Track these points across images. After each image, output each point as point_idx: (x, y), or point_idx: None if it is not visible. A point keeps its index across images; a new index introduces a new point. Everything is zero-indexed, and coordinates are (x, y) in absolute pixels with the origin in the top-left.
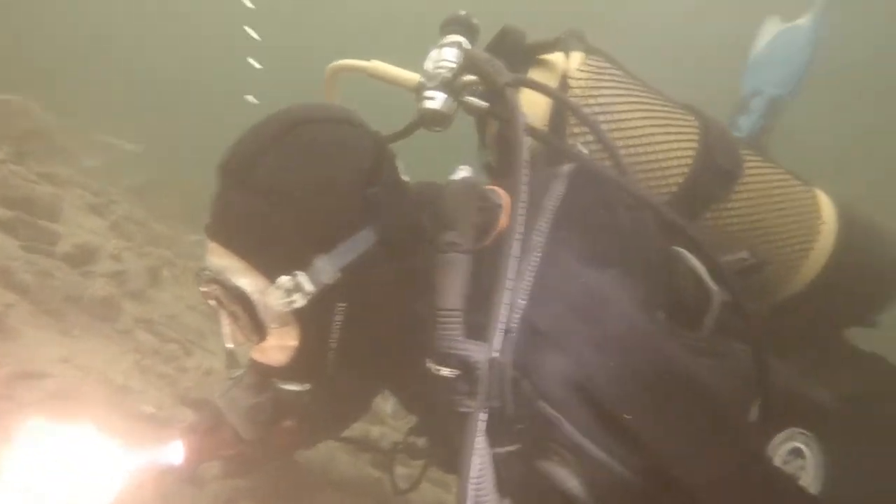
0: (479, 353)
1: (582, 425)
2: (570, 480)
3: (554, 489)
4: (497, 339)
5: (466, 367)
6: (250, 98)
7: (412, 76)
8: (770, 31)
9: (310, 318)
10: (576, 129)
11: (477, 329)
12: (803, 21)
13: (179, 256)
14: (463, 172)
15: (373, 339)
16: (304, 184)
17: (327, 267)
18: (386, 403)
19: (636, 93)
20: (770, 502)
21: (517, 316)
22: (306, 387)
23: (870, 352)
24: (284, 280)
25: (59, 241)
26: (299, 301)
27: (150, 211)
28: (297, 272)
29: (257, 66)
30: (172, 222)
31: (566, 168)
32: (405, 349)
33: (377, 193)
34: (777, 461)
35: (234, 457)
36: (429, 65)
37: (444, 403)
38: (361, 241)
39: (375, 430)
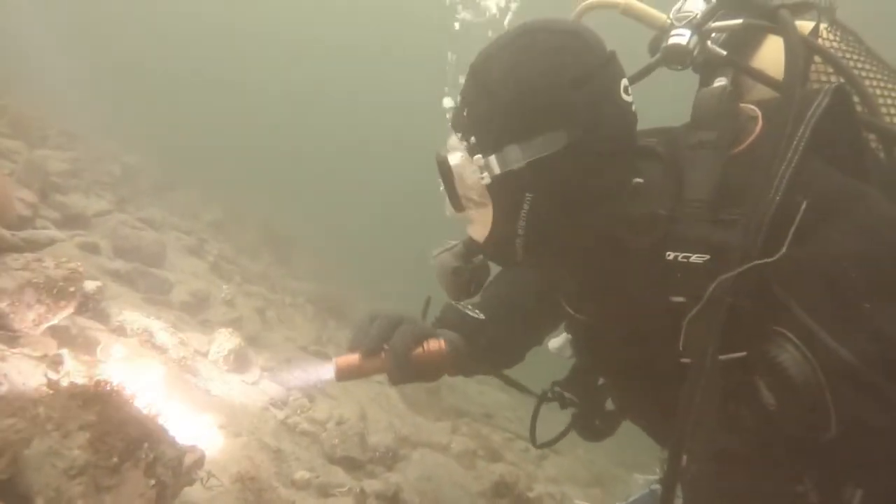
0: (733, 239)
1: (819, 312)
2: (792, 363)
3: (760, 401)
4: (753, 230)
5: (719, 252)
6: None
7: (662, 15)
8: None
9: (500, 199)
10: (821, 77)
11: (726, 223)
12: None
13: (274, 292)
14: (721, 82)
15: (560, 234)
16: (513, 79)
17: (515, 155)
18: (554, 339)
19: (878, 61)
20: None
21: (771, 210)
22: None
23: None
24: (477, 158)
25: (173, 289)
26: (487, 179)
27: (234, 245)
28: (492, 155)
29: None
30: (254, 254)
31: (833, 85)
32: (607, 253)
33: (577, 101)
34: None
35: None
36: (675, 10)
37: (666, 307)
38: (552, 141)
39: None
